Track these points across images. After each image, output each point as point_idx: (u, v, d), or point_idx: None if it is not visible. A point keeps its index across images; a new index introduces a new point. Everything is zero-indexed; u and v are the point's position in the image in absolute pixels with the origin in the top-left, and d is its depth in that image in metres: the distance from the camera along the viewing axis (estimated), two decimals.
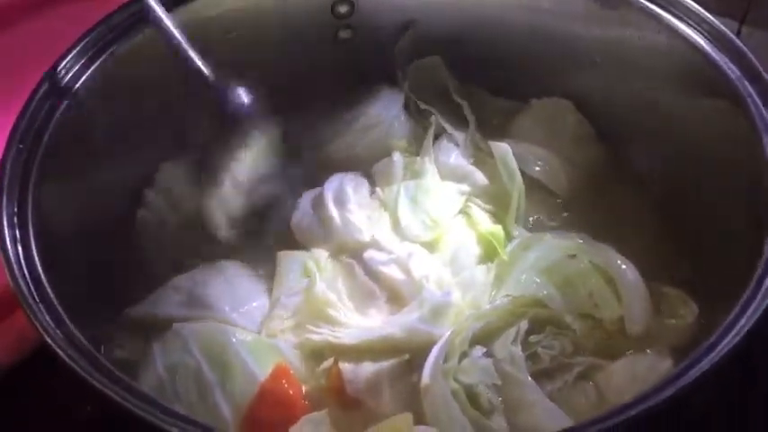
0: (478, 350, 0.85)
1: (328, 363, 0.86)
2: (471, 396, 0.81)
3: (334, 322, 0.89)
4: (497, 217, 0.99)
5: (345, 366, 0.85)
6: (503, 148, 0.99)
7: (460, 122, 1.07)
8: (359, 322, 0.89)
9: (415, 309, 0.88)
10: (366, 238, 0.95)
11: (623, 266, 0.89)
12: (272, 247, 0.97)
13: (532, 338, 0.86)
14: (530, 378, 0.82)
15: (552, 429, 0.74)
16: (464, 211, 0.99)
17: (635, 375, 0.82)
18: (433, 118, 1.06)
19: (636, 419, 0.62)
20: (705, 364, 0.65)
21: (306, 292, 0.91)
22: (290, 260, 0.95)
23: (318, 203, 0.99)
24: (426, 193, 0.99)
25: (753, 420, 0.91)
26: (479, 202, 1.00)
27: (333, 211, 0.97)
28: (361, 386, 0.84)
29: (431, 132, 1.04)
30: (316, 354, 0.88)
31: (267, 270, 0.95)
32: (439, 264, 0.94)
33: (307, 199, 1.00)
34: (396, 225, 0.97)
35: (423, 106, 1.07)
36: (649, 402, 0.63)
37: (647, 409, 0.63)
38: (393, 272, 0.92)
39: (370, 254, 0.94)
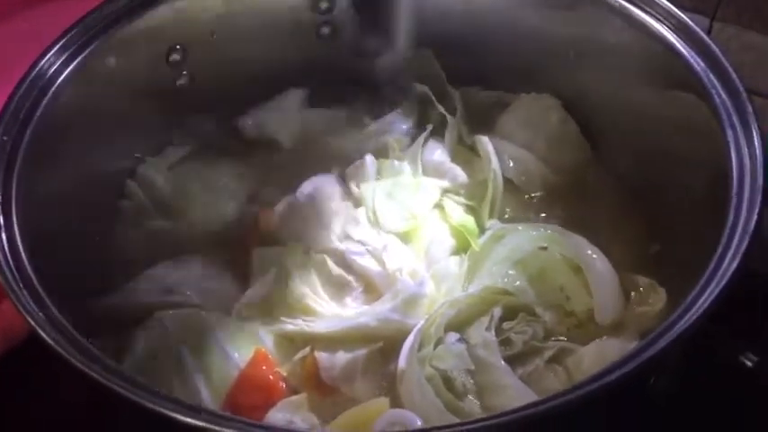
0: (453, 336, 0.86)
1: (304, 352, 0.87)
2: (446, 381, 0.82)
3: (308, 312, 0.90)
4: (473, 211, 1.00)
5: (321, 355, 0.86)
6: (483, 140, 1.02)
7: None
8: (334, 312, 0.90)
9: (388, 299, 0.89)
10: (338, 239, 0.96)
11: (594, 256, 0.90)
12: (248, 245, 0.98)
13: (505, 325, 0.87)
14: (503, 362, 0.83)
15: None
16: (439, 205, 1.00)
17: (604, 359, 0.83)
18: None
19: (594, 395, 0.63)
20: (662, 342, 0.66)
21: (279, 285, 0.91)
22: (265, 256, 0.95)
23: (292, 207, 1.00)
24: (403, 188, 1.00)
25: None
26: (455, 197, 1.01)
27: (307, 213, 0.98)
28: (337, 374, 0.85)
29: (420, 138, 1.05)
30: (290, 341, 0.89)
31: (242, 266, 0.96)
32: (413, 256, 0.94)
33: (282, 203, 1.01)
34: (373, 217, 0.97)
35: (419, 88, 1.09)
36: (608, 378, 0.64)
37: (606, 384, 0.64)
38: (368, 263, 0.93)
39: (345, 245, 0.95)
